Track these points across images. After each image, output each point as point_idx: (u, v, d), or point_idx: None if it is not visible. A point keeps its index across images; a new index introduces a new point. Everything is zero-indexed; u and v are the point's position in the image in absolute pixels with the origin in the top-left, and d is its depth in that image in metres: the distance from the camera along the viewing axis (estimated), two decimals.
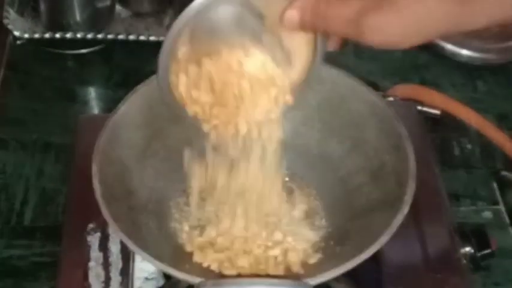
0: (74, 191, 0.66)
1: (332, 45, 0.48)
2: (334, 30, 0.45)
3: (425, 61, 0.88)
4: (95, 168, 0.55)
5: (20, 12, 0.90)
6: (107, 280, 0.60)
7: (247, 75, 0.49)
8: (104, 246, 0.62)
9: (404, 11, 0.40)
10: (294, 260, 0.56)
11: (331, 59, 0.62)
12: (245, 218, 0.57)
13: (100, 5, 0.87)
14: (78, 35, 0.87)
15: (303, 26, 0.45)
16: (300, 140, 0.64)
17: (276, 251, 0.56)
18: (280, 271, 0.55)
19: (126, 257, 0.61)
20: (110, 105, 0.80)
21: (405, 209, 0.52)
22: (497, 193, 0.74)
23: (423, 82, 0.85)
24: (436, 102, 0.79)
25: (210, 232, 0.58)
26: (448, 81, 0.86)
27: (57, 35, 0.87)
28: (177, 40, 0.48)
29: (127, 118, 0.59)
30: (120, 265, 0.61)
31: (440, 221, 0.64)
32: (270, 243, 0.57)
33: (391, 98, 0.75)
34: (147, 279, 0.62)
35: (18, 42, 0.89)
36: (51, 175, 0.77)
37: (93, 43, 0.88)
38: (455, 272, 0.61)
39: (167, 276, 0.62)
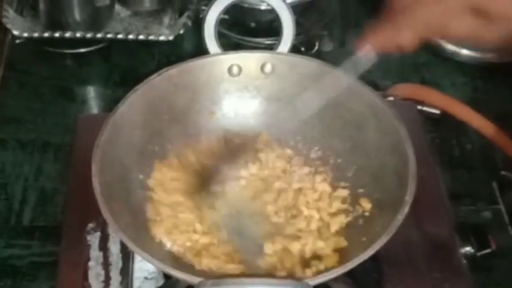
0: (73, 191, 0.66)
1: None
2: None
3: (425, 60, 0.88)
4: (94, 168, 0.55)
5: (19, 11, 0.90)
6: (107, 280, 0.60)
7: None
8: (103, 246, 0.61)
9: None
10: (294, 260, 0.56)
11: (330, 59, 0.62)
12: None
13: (99, 4, 0.87)
14: (77, 34, 0.86)
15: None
16: (301, 140, 0.64)
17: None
18: (281, 271, 0.55)
19: (126, 256, 0.61)
20: (109, 104, 0.80)
21: (405, 209, 0.52)
22: (497, 193, 0.74)
23: (423, 82, 0.85)
24: (436, 102, 0.79)
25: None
26: (448, 81, 0.86)
27: (56, 34, 0.86)
28: None
29: (126, 118, 0.59)
30: (120, 265, 0.61)
31: (440, 220, 0.64)
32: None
33: (391, 98, 0.75)
34: (146, 278, 0.62)
35: (17, 41, 0.88)
36: (50, 175, 0.76)
37: (92, 42, 0.88)
38: (455, 272, 0.61)
39: (167, 276, 0.62)
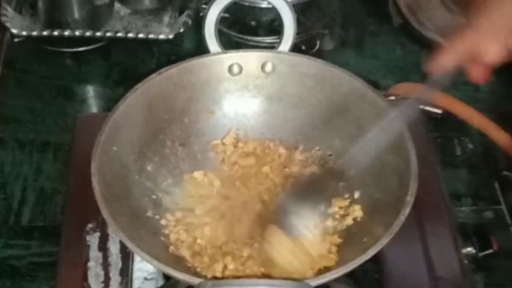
0: (73, 191, 0.65)
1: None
2: None
3: (426, 59, 0.88)
4: (94, 168, 0.54)
5: (18, 10, 0.90)
6: (106, 280, 0.59)
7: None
8: (103, 246, 0.61)
9: None
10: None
11: (332, 57, 0.62)
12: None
13: (99, 2, 0.87)
14: (77, 33, 0.86)
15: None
16: (301, 140, 0.64)
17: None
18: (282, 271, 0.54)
19: (126, 257, 0.61)
20: (109, 103, 0.80)
21: (407, 210, 0.52)
22: (499, 193, 0.73)
23: (425, 81, 0.85)
24: (437, 101, 0.78)
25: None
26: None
27: (55, 33, 0.86)
28: None
29: (126, 117, 0.59)
30: (119, 265, 0.60)
31: (442, 221, 0.64)
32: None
33: (392, 97, 0.75)
34: (146, 279, 0.62)
35: (16, 40, 0.88)
36: (50, 174, 0.76)
37: (91, 41, 0.88)
38: (456, 272, 0.61)
39: (166, 277, 0.62)
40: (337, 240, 0.56)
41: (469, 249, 0.64)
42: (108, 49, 0.89)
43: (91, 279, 0.59)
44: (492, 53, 0.47)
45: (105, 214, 0.52)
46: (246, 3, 0.85)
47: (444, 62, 0.49)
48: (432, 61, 0.50)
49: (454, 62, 0.49)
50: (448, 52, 0.49)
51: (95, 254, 0.61)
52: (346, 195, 0.60)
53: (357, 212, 0.58)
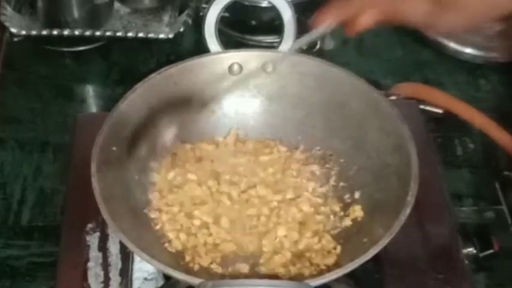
0: (73, 191, 0.65)
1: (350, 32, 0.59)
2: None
3: (427, 59, 0.88)
4: (94, 168, 0.54)
5: (17, 9, 0.89)
6: (106, 280, 0.59)
7: None
8: (103, 246, 0.61)
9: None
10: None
11: (332, 57, 0.62)
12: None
13: (98, 1, 0.87)
14: (76, 32, 0.86)
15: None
16: (302, 140, 0.64)
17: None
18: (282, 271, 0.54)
19: (126, 257, 0.61)
20: (108, 103, 0.80)
21: (407, 210, 0.52)
22: (500, 193, 0.73)
23: (425, 81, 0.85)
24: (438, 101, 0.78)
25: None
26: (451, 80, 0.86)
27: (55, 32, 0.86)
28: None
29: (126, 117, 0.59)
30: (119, 265, 0.60)
31: (443, 221, 0.64)
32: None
33: (393, 97, 0.75)
34: (146, 279, 0.62)
35: (15, 39, 0.88)
36: (49, 174, 0.76)
37: (91, 40, 0.88)
38: (457, 273, 0.61)
39: (166, 277, 0.62)
40: (338, 239, 0.56)
41: (470, 250, 0.64)
42: (108, 48, 0.89)
43: (91, 280, 0.59)
44: (367, 21, 0.58)
45: (105, 214, 0.52)
46: (247, 3, 0.85)
47: (326, 17, 0.59)
48: (317, 15, 0.59)
49: (335, 19, 0.59)
50: (332, 11, 0.59)
51: (94, 254, 0.61)
52: (347, 195, 0.60)
53: (358, 212, 0.57)
